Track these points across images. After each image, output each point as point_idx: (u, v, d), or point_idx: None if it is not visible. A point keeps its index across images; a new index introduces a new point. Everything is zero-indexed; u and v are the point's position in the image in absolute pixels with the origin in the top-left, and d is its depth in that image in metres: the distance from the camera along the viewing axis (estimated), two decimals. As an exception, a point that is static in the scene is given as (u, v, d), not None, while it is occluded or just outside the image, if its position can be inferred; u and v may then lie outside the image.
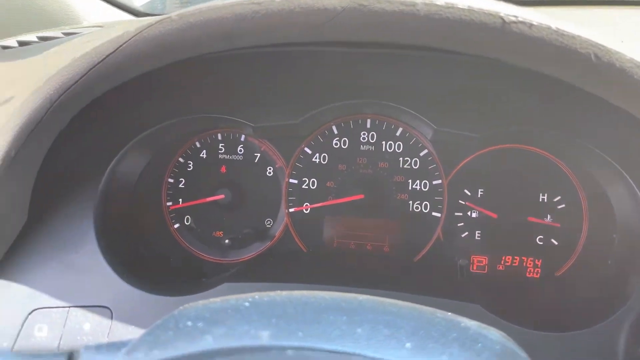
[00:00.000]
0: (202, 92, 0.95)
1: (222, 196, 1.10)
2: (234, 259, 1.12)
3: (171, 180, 1.13)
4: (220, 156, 1.12)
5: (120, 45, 0.63)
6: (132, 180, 1.01)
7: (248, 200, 1.12)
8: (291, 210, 1.10)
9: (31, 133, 0.70)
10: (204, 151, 1.12)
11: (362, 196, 1.06)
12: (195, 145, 1.12)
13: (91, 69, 0.65)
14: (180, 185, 1.13)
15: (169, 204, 1.14)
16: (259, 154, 1.11)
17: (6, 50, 1.05)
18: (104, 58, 0.64)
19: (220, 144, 1.12)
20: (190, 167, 1.13)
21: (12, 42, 1.09)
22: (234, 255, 1.12)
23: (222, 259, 1.13)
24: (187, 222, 1.14)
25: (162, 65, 0.66)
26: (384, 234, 1.08)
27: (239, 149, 1.12)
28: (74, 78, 0.67)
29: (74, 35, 1.08)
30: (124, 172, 0.96)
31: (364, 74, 0.91)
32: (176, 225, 1.14)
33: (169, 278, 0.97)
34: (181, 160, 1.12)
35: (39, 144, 0.74)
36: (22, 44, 1.08)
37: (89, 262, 0.85)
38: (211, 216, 1.13)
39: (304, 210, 1.10)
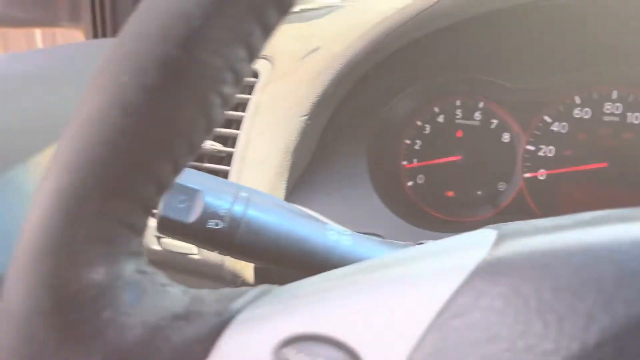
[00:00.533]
0: (463, 53, 1.03)
1: (458, 157, 1.18)
2: (464, 218, 1.19)
3: (408, 142, 1.23)
4: (457, 121, 1.20)
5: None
6: (396, 130, 1.12)
7: (482, 164, 1.18)
8: (526, 175, 1.15)
9: (348, 72, 0.82)
10: (442, 116, 1.21)
11: (605, 164, 1.07)
12: (434, 111, 1.21)
13: (415, 16, 0.76)
14: (415, 147, 1.23)
15: (404, 162, 1.24)
16: (496, 120, 1.17)
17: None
18: (433, 4, 0.74)
19: (458, 110, 1.20)
20: (426, 130, 1.22)
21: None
22: (465, 215, 1.19)
23: (452, 218, 1.20)
24: (420, 181, 1.23)
25: (475, 14, 0.75)
26: (624, 205, 1.08)
27: (475, 115, 1.18)
28: (394, 25, 0.78)
29: (334, 7, 1.23)
30: (390, 121, 1.08)
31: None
32: (409, 183, 1.24)
33: (424, 216, 1.07)
34: (419, 123, 1.22)
35: (347, 84, 0.86)
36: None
37: (363, 195, 0.97)
38: (444, 177, 1.21)
39: (539, 177, 1.14)
